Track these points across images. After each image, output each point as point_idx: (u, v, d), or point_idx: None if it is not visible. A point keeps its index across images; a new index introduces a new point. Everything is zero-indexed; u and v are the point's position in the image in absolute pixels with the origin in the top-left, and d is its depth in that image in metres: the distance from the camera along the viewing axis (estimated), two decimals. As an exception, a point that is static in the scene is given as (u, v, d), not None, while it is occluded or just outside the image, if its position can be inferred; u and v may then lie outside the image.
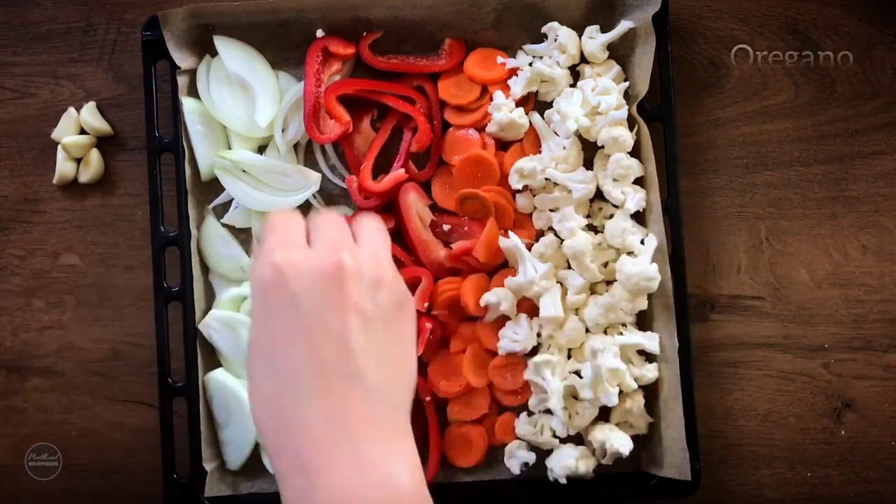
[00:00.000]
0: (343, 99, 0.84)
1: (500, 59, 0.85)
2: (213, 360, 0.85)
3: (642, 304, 0.81)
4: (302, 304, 0.54)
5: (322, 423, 0.52)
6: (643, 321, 0.83)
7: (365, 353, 0.54)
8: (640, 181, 0.83)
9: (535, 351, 0.83)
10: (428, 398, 0.82)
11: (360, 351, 0.54)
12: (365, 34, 0.85)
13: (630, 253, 0.81)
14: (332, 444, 0.51)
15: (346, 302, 0.54)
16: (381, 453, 0.52)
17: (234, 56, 0.85)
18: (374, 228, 0.61)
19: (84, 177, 0.88)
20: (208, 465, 0.82)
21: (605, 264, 0.83)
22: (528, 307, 0.82)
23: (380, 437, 0.53)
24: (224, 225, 0.86)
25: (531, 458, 0.82)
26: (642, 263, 0.79)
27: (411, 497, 0.52)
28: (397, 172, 0.84)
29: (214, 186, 0.86)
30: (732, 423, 0.86)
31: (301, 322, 0.54)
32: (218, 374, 0.84)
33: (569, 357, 0.82)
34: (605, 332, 0.82)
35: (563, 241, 0.81)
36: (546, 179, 0.82)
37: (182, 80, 0.85)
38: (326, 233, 0.58)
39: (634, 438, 0.82)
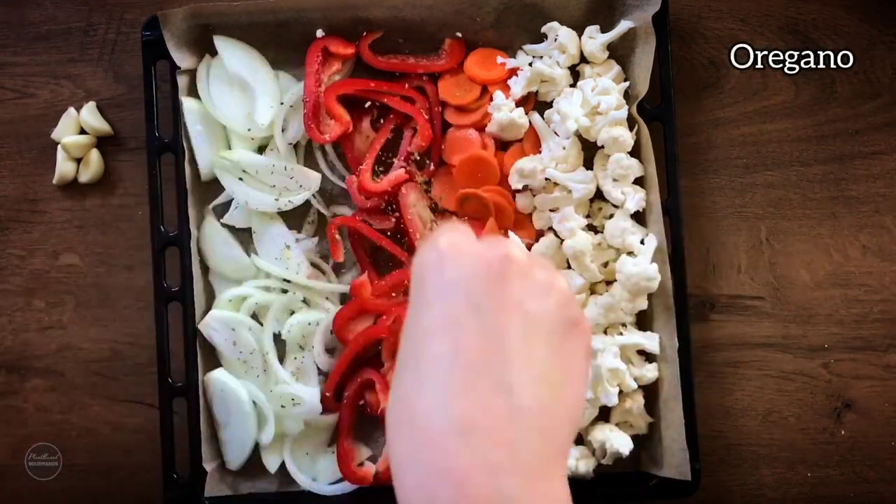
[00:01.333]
0: (343, 99, 0.84)
1: (500, 59, 0.85)
2: (213, 360, 0.85)
3: (642, 304, 0.81)
4: (457, 293, 0.45)
5: (453, 436, 0.41)
6: (643, 321, 0.83)
7: (522, 362, 0.44)
8: (640, 181, 0.83)
9: (535, 351, 0.83)
10: None
11: (516, 358, 0.44)
12: (365, 34, 0.85)
13: (630, 253, 0.81)
14: (462, 465, 0.41)
15: (508, 298, 0.45)
16: (523, 493, 0.41)
17: (234, 56, 0.85)
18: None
19: (84, 177, 0.88)
20: (208, 466, 0.82)
21: (605, 264, 0.83)
22: (528, 307, 0.82)
23: (523, 472, 0.41)
24: (224, 225, 0.86)
25: None
26: (642, 263, 0.79)
27: None
28: (397, 172, 0.84)
29: (214, 186, 0.86)
30: (732, 423, 0.86)
31: (453, 313, 0.45)
32: (218, 374, 0.84)
33: None
34: (605, 332, 0.82)
35: (563, 241, 0.81)
36: (546, 179, 0.82)
37: (182, 80, 0.85)
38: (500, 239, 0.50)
39: (634, 438, 0.82)
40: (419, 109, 0.84)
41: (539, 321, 0.46)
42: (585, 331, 0.49)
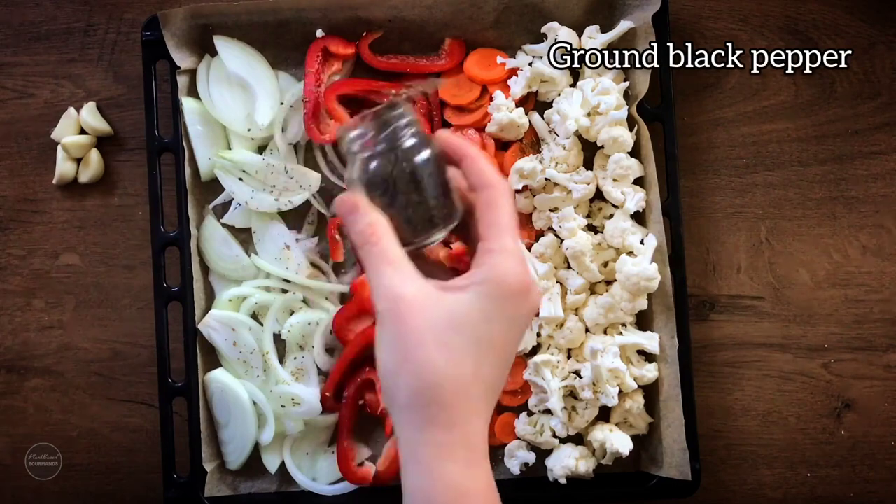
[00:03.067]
0: (343, 99, 0.84)
1: (499, 60, 0.85)
2: (213, 359, 0.85)
3: (642, 304, 0.81)
4: None
5: None
6: (643, 321, 0.83)
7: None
8: (640, 181, 0.83)
9: (535, 351, 0.83)
10: None
11: None
12: (365, 34, 0.85)
13: (630, 253, 0.81)
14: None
15: None
16: None
17: (234, 56, 0.85)
18: None
19: (84, 177, 0.88)
20: (208, 466, 0.82)
21: (605, 264, 0.83)
22: (528, 307, 0.82)
23: None
24: (224, 225, 0.86)
25: (531, 458, 0.82)
26: (642, 263, 0.79)
27: None
28: None
29: (214, 186, 0.86)
30: (732, 422, 0.86)
31: None
32: (218, 374, 0.84)
33: (569, 357, 0.82)
34: (605, 332, 0.82)
35: (562, 241, 0.81)
36: (546, 179, 0.82)
37: (182, 80, 0.85)
38: None
39: (634, 438, 0.82)
40: (419, 109, 0.84)
41: None
42: None
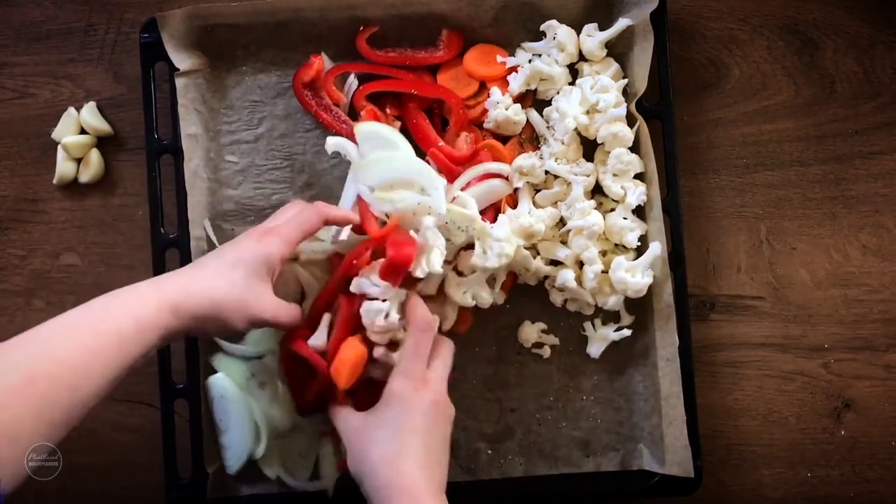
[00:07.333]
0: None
1: (499, 59, 0.85)
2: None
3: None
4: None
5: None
6: (643, 321, 0.83)
7: None
8: (639, 178, 0.83)
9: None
10: None
11: None
12: (362, 28, 0.85)
13: (626, 249, 0.81)
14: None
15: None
16: None
17: None
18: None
19: (84, 177, 0.88)
20: (210, 467, 0.82)
21: (604, 253, 0.83)
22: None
23: None
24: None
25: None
26: (637, 273, 0.79)
27: None
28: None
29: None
30: (733, 422, 0.86)
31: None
32: (219, 379, 0.83)
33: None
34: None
35: (570, 231, 0.81)
36: (546, 173, 0.82)
37: (180, 83, 0.84)
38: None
39: (634, 439, 0.82)
40: (449, 90, 0.84)
41: None
42: None
